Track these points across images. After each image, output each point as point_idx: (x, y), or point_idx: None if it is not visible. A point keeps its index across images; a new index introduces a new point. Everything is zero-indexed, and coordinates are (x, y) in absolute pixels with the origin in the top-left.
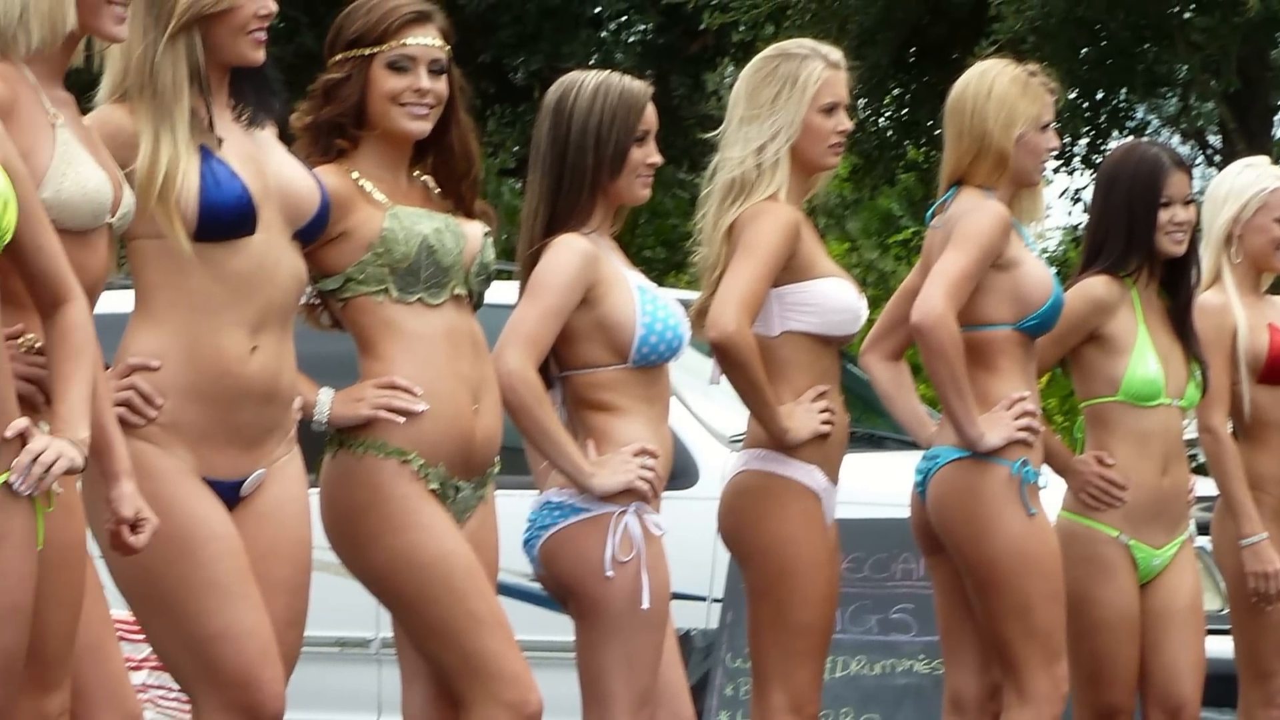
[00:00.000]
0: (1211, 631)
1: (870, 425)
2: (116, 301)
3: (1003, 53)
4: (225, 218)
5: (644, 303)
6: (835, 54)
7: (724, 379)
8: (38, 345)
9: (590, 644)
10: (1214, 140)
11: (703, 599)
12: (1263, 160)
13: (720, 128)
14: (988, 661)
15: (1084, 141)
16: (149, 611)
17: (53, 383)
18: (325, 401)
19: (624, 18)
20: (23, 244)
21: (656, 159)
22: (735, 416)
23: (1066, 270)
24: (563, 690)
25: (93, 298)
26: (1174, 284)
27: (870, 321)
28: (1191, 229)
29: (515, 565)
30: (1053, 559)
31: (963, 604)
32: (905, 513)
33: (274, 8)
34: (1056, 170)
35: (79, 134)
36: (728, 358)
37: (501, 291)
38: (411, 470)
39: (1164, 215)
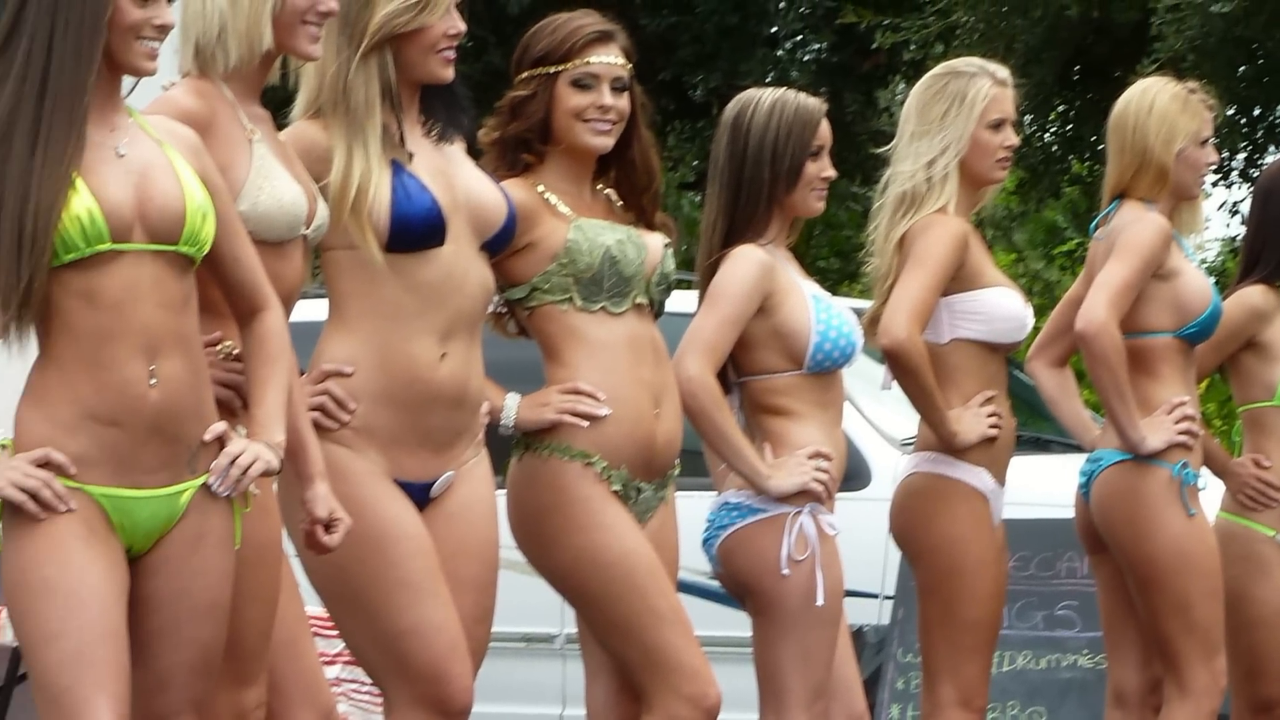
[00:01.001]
0: None
1: (1036, 429)
2: (311, 310)
3: (1163, 71)
4: (416, 229)
5: (818, 311)
6: (1002, 72)
7: (895, 384)
8: (235, 352)
9: (767, 640)
10: None
11: (875, 596)
12: None
13: (892, 143)
14: (1149, 656)
15: (1241, 156)
16: (342, 608)
17: (250, 388)
18: (512, 406)
19: (799, 37)
20: (221, 255)
21: (830, 173)
22: (906, 420)
23: (1224, 280)
24: (740, 684)
25: (288, 306)
26: None
27: (1036, 329)
28: None
29: (695, 563)
30: (1211, 558)
31: (1125, 601)
32: (1070, 513)
33: (463, 27)
34: (1215, 184)
35: (275, 149)
36: (899, 364)
37: (681, 300)
38: (595, 472)
39: None
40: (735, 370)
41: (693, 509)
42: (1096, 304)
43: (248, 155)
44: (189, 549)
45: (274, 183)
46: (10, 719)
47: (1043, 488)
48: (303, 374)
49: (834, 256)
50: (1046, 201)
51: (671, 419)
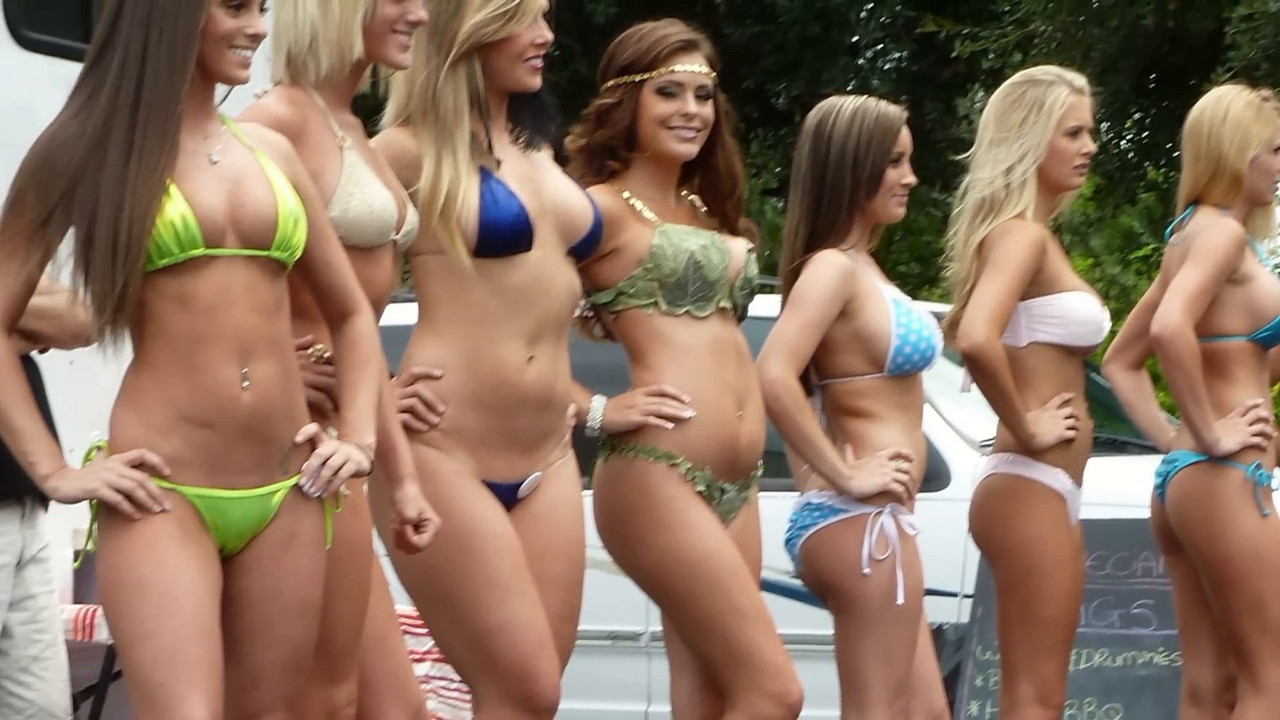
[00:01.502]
0: None
1: (1112, 431)
2: (401, 314)
3: (1237, 79)
4: (504, 235)
5: (899, 315)
6: (1079, 80)
7: (974, 387)
8: (326, 355)
9: (848, 637)
10: None
11: (954, 595)
12: None
13: (971, 150)
14: (1223, 654)
15: None
16: (431, 607)
17: (340, 391)
18: (598, 408)
19: (880, 46)
20: (312, 260)
21: (910, 179)
22: (985, 422)
23: None
24: (822, 681)
25: (378, 310)
26: None
27: (1112, 333)
28: None
29: (777, 563)
30: None
31: (1200, 600)
32: (1145, 513)
33: (550, 36)
34: None
35: (365, 156)
36: (978, 367)
37: (764, 305)
38: (679, 473)
39: None
40: (817, 373)
41: (775, 509)
42: (1172, 308)
43: (339, 162)
44: (281, 548)
45: (364, 189)
46: (106, 716)
47: (1119, 488)
48: (392, 377)
49: (914, 261)
50: (1123, 207)
51: (754, 421)
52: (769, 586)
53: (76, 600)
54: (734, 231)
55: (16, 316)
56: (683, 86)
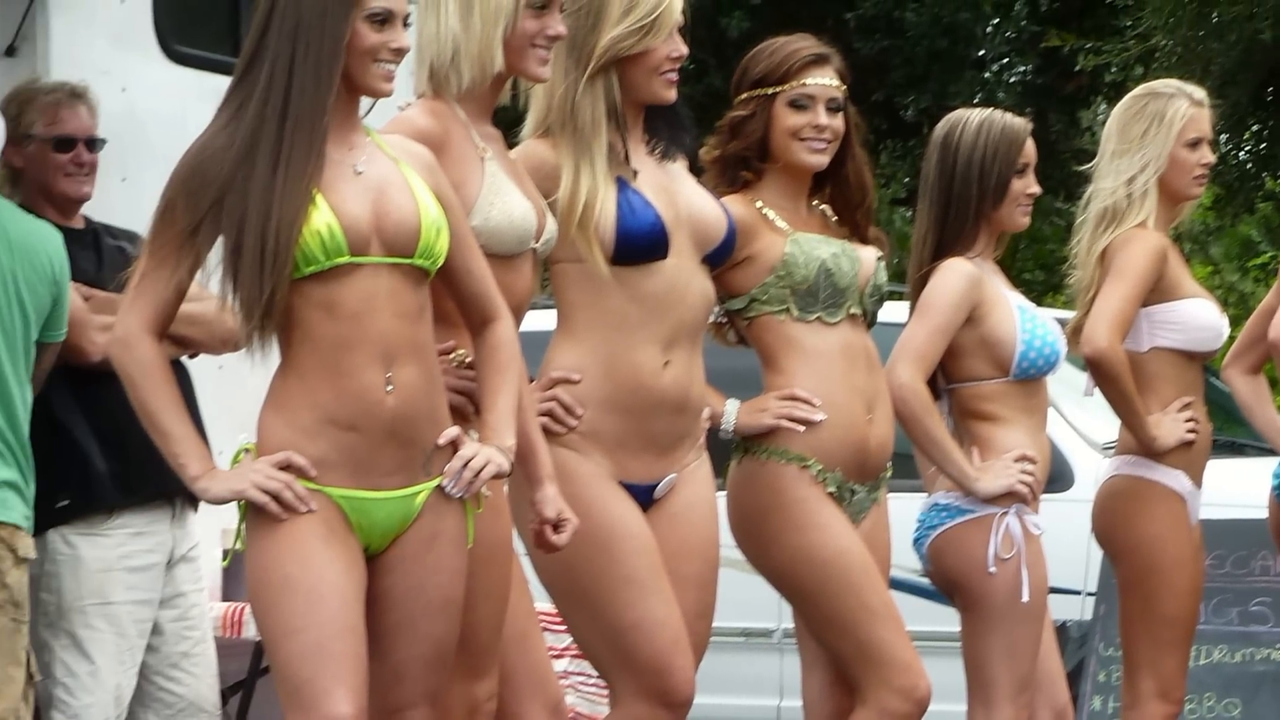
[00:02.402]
0: None
1: (1231, 434)
2: (540, 320)
3: None
4: (640, 243)
5: (1024, 321)
6: (1199, 93)
7: (1097, 391)
8: (468, 360)
9: (975, 634)
10: None
11: (1078, 593)
12: None
13: (1094, 161)
14: None
15: None
16: (570, 604)
17: (481, 394)
18: (732, 412)
19: (1006, 59)
20: (454, 268)
21: (1035, 189)
22: (1107, 425)
23: None
24: (949, 677)
25: (518, 317)
26: None
27: (1231, 339)
28: None
29: (906, 562)
30: None
31: None
32: (1263, 514)
33: (685, 50)
34: None
35: (506, 166)
36: (1100, 372)
37: (893, 311)
38: (811, 475)
39: None
40: (944, 377)
41: (904, 509)
42: None
43: (480, 173)
44: (424, 548)
45: (505, 199)
46: (254, 711)
47: (1237, 489)
48: (532, 381)
49: (1039, 269)
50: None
51: (883, 424)
52: (898, 585)
53: (225, 598)
54: (864, 240)
55: (167, 323)
56: (814, 99)
